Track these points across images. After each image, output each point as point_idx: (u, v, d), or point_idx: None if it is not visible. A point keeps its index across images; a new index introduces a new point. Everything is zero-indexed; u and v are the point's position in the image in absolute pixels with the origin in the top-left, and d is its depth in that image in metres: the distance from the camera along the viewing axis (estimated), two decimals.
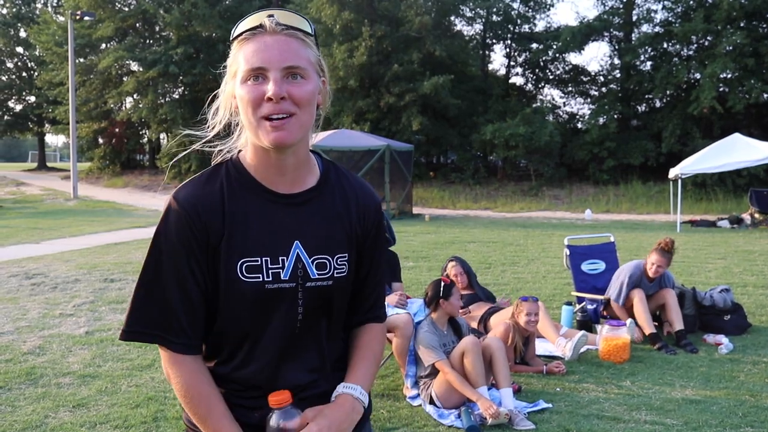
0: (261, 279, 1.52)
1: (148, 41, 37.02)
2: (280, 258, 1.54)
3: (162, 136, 40.00)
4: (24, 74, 48.43)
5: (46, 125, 48.81)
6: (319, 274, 1.57)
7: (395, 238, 5.65)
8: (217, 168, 1.60)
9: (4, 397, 4.96)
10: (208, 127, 1.61)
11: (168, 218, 1.52)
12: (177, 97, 36.36)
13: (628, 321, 6.13)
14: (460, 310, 5.79)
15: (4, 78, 48.01)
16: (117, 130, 38.74)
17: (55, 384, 5.24)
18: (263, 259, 1.52)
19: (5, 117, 48.74)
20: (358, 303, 1.73)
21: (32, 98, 47.80)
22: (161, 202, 27.23)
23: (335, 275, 1.60)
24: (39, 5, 48.12)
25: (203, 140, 1.62)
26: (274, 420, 1.49)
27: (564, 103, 33.92)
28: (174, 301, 1.52)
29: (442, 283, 4.84)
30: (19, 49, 48.05)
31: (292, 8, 31.21)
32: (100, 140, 40.03)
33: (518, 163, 30.13)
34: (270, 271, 1.53)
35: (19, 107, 49.61)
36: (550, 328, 6.05)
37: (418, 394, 4.82)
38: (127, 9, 36.59)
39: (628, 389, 5.07)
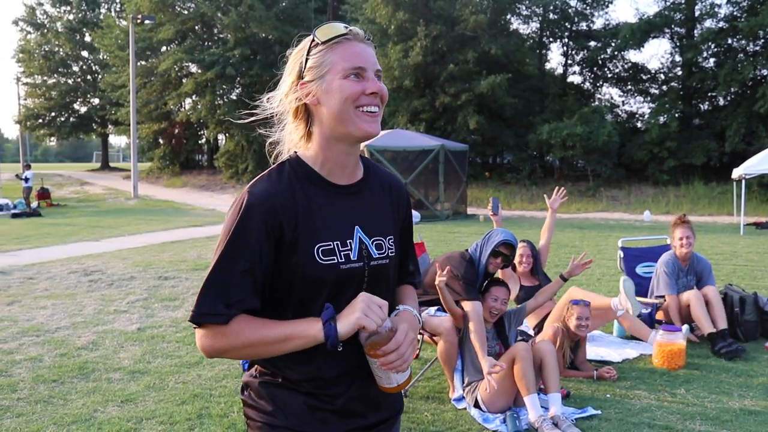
0: (336, 261, 1.68)
1: (206, 43, 37.68)
2: (348, 241, 1.72)
3: (220, 136, 40.74)
4: (89, 77, 49.94)
5: (109, 126, 50.21)
6: (378, 254, 1.77)
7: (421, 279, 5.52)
8: (281, 166, 1.76)
9: (57, 390, 5.08)
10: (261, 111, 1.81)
11: (243, 212, 1.64)
12: (234, 97, 36.93)
13: (684, 327, 5.92)
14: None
15: (69, 81, 49.59)
16: (176, 130, 39.62)
17: (105, 379, 5.34)
18: (335, 243, 1.70)
19: (71, 119, 50.33)
20: (401, 274, 1.97)
21: (96, 100, 49.24)
22: (218, 201, 27.70)
23: (389, 254, 1.81)
24: (103, 10, 49.54)
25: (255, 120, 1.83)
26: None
27: (623, 102, 33.17)
28: (241, 290, 1.63)
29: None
30: (84, 53, 49.58)
31: (348, 9, 31.50)
32: (160, 141, 40.95)
33: (575, 163, 29.61)
34: (342, 253, 1.70)
35: (83, 109, 51.18)
36: (596, 297, 5.93)
37: (464, 397, 4.73)
38: (186, 12, 37.35)
39: (683, 397, 4.87)
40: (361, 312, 1.60)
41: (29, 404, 4.81)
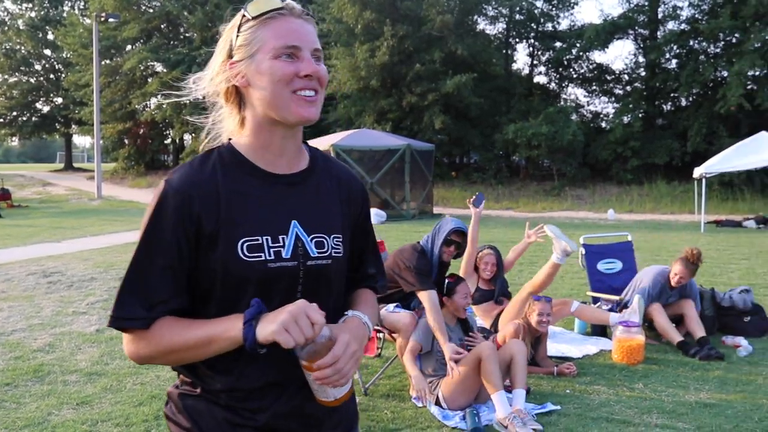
0: (263, 258, 1.50)
1: (172, 42, 37.30)
2: (280, 237, 1.53)
3: (186, 136, 40.30)
4: (51, 76, 49.04)
5: (73, 126, 49.39)
6: (318, 253, 1.58)
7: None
8: (207, 153, 1.60)
9: (10, 393, 4.97)
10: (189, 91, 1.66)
11: (157, 203, 1.49)
12: (201, 97, 36.48)
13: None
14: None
15: (32, 80, 48.66)
16: (141, 130, 39.08)
17: (61, 381, 5.23)
18: (264, 237, 1.51)
19: (33, 118, 49.38)
20: (357, 278, 1.78)
21: (59, 100, 48.39)
22: None
23: (333, 254, 1.61)
24: (66, 8, 48.70)
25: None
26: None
27: (588, 102, 33.67)
28: (162, 289, 1.48)
29: (446, 281, 4.74)
30: (47, 52, 48.68)
31: (315, 8, 31.35)
32: (125, 141, 40.40)
33: (541, 162, 29.86)
34: (271, 250, 1.51)
35: (46, 109, 50.25)
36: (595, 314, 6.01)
37: None
38: (151, 11, 36.92)
39: (641, 392, 4.93)
40: (281, 325, 1.36)
41: None
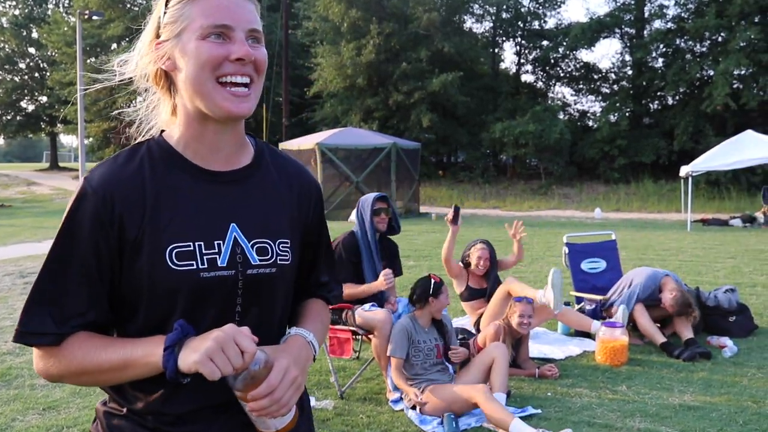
0: (195, 266, 1.32)
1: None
2: (216, 242, 1.35)
3: None
4: (36, 75, 48.56)
5: (58, 125, 48.95)
6: (260, 260, 1.39)
7: (400, 227, 5.39)
8: (136, 147, 1.41)
9: None
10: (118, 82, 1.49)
11: (73, 204, 1.32)
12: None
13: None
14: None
15: (16, 78, 48.16)
16: (127, 129, 38.71)
17: (29, 386, 5.07)
18: (196, 243, 1.33)
19: (17, 117, 48.89)
20: (307, 286, 1.62)
21: (44, 98, 47.93)
22: None
23: (278, 262, 1.42)
24: (51, 6, 48.25)
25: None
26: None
27: (575, 101, 33.59)
28: (76, 301, 1.31)
29: (433, 281, 4.62)
30: (32, 50, 48.21)
31: (301, 6, 31.16)
32: (111, 140, 40.06)
33: (528, 161, 29.82)
34: (205, 257, 1.33)
35: (31, 107, 49.77)
36: (525, 287, 5.69)
37: (401, 398, 4.60)
38: (136, 8, 36.61)
39: (624, 394, 4.81)
40: (205, 354, 1.19)
41: None
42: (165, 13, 1.36)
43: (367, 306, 4.88)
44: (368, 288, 4.88)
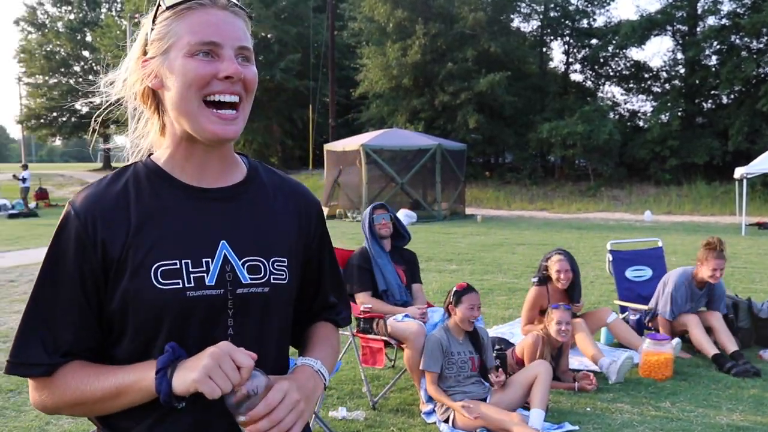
0: (181, 285, 1.27)
1: None
2: (204, 260, 1.30)
3: None
4: (90, 77, 49.78)
5: (111, 126, 49.99)
6: (252, 279, 1.33)
7: (409, 234, 5.38)
8: (122, 169, 1.38)
9: (12, 401, 4.88)
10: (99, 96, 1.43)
11: (58, 228, 1.30)
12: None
13: (675, 340, 5.62)
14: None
15: (71, 81, 49.43)
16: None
17: None
18: (183, 261, 1.28)
19: (72, 119, 50.19)
20: (314, 309, 1.56)
21: (97, 100, 49.01)
22: None
23: (272, 281, 1.36)
24: (104, 10, 49.40)
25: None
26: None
27: (625, 100, 32.83)
28: (66, 329, 1.28)
29: (454, 288, 4.49)
30: (85, 53, 49.41)
31: (347, 7, 31.17)
32: None
33: (577, 162, 29.30)
34: (192, 276, 1.28)
35: (85, 109, 51.01)
36: (589, 344, 5.52)
37: (434, 410, 4.47)
38: None
39: (667, 411, 4.59)
40: (203, 372, 1.16)
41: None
42: (152, 29, 1.32)
43: (400, 316, 4.78)
44: (399, 310, 4.91)
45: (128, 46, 1.42)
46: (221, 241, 1.33)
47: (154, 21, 1.32)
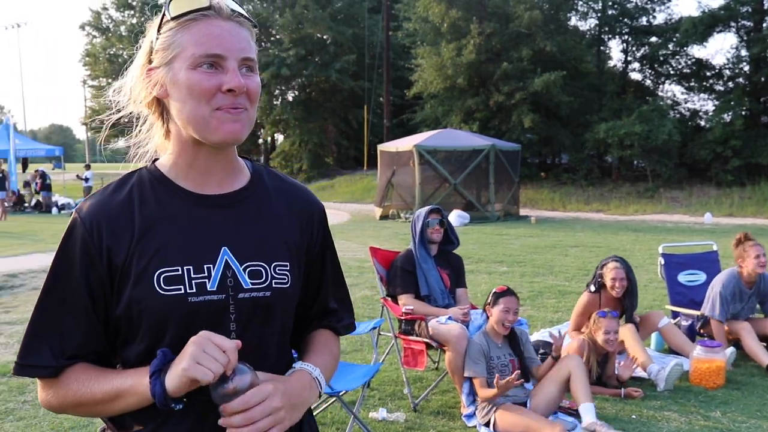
0: (183, 291, 1.30)
1: (263, 44, 38.00)
2: (206, 266, 1.33)
3: (277, 136, 41.11)
4: None
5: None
6: (253, 284, 1.36)
7: (458, 240, 5.37)
8: (127, 176, 1.42)
9: None
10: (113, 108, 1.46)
11: (65, 236, 1.34)
12: (290, 98, 37.16)
13: (729, 349, 5.45)
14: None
15: None
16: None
17: None
18: (185, 268, 1.31)
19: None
20: (313, 314, 1.57)
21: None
22: None
23: (274, 285, 1.38)
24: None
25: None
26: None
27: (685, 99, 31.93)
28: (72, 333, 1.32)
29: (493, 291, 4.45)
30: None
31: (402, 8, 31.17)
32: None
33: (635, 163, 28.64)
34: (193, 282, 1.31)
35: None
36: (639, 351, 5.39)
37: (474, 414, 4.44)
38: None
39: (717, 421, 4.46)
40: (191, 359, 1.19)
41: (33, 408, 4.77)
42: (157, 38, 1.34)
43: (443, 319, 4.76)
44: (442, 311, 4.89)
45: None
46: (222, 247, 1.35)
47: (159, 29, 1.33)
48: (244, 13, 1.35)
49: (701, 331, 6.04)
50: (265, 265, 1.39)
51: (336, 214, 22.57)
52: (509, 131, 27.42)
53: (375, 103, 33.12)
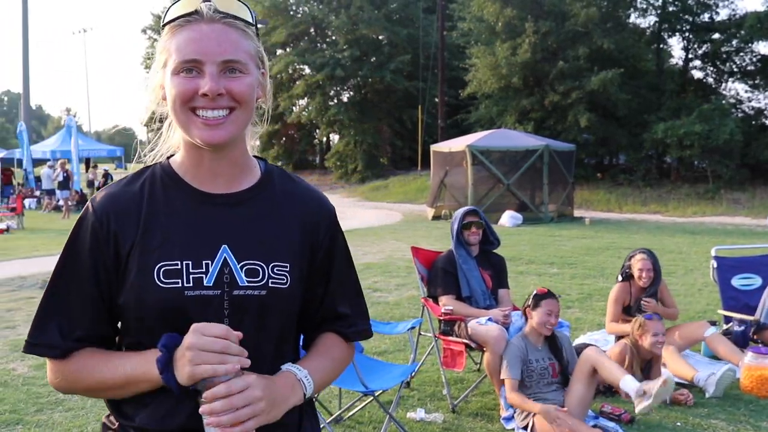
0: (180, 284, 1.35)
1: (318, 45, 38.32)
2: (204, 262, 1.38)
3: (332, 137, 41.41)
4: None
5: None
6: (249, 281, 1.39)
7: (499, 240, 5.33)
8: (142, 170, 1.49)
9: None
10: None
11: (77, 222, 1.42)
12: (345, 99, 37.38)
13: None
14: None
15: None
16: (289, 131, 40.53)
17: None
18: (184, 262, 1.37)
19: None
20: (321, 317, 1.57)
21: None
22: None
23: (270, 285, 1.41)
24: None
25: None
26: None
27: (749, 97, 30.91)
28: (80, 317, 1.39)
29: (535, 291, 4.39)
30: None
31: (456, 7, 31.03)
32: (274, 142, 42.03)
33: (696, 164, 27.88)
34: (191, 276, 1.36)
35: None
36: (679, 362, 5.28)
37: (513, 417, 4.39)
38: (299, 15, 38.13)
39: None
40: (192, 363, 1.24)
41: (81, 399, 4.88)
42: (159, 43, 1.42)
43: (483, 320, 4.73)
44: (482, 312, 4.87)
45: None
46: (222, 245, 1.40)
47: (160, 34, 1.42)
48: (234, 13, 1.37)
49: (755, 337, 5.85)
50: (263, 265, 1.41)
51: (389, 214, 22.61)
52: (565, 131, 27.02)
53: (429, 104, 33.01)
